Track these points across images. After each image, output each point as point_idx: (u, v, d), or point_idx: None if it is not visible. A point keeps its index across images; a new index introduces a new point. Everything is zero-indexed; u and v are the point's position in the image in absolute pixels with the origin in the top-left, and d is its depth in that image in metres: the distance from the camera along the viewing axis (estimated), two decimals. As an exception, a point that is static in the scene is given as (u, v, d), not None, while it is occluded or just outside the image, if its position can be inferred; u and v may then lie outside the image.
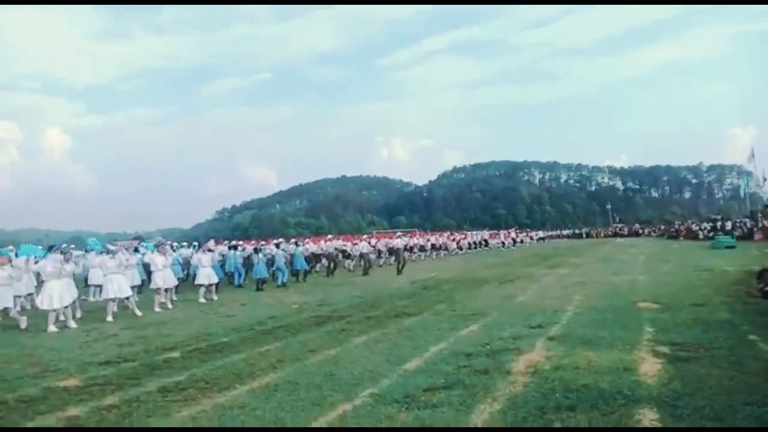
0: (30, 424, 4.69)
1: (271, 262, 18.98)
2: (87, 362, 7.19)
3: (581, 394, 4.99)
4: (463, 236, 40.67)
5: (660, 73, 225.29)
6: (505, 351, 6.83)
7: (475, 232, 47.06)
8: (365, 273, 21.19)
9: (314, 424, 4.41)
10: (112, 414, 4.93)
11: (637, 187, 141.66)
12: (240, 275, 18.66)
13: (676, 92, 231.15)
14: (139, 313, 11.64)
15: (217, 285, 14.76)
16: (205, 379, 6.02)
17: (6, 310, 10.52)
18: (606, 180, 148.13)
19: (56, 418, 4.82)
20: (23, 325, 10.32)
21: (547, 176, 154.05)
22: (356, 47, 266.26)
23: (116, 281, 11.37)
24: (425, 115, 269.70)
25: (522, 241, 49.33)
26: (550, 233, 71.20)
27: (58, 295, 10.13)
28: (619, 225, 77.95)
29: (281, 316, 10.92)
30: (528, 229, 64.72)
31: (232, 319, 10.77)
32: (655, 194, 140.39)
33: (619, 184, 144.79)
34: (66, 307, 10.41)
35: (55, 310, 10.14)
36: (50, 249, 11.35)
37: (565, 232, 76.26)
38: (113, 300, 11.37)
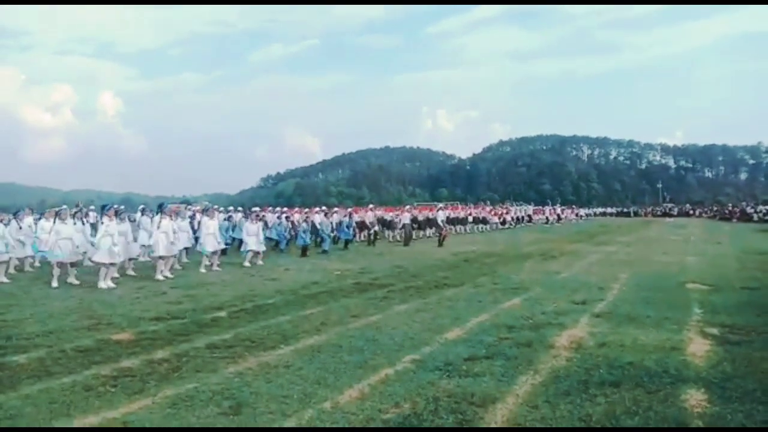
0: (87, 373, 4.92)
1: (314, 229, 19.21)
2: (138, 317, 7.49)
3: (626, 371, 4.92)
4: (505, 210, 40.18)
5: (719, 47, 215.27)
6: (547, 325, 6.78)
7: (518, 207, 46.41)
8: (406, 244, 21.25)
9: (357, 386, 4.49)
10: (162, 367, 5.12)
11: (690, 166, 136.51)
12: (284, 241, 18.97)
13: (735, 67, 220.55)
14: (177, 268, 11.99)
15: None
16: (251, 338, 6.19)
17: (69, 265, 11.04)
18: (658, 158, 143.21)
19: (111, 369, 5.04)
20: (68, 281, 10.80)
21: (596, 152, 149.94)
22: (405, 14, 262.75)
23: (164, 240, 11.72)
24: (472, 85, 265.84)
25: (567, 218, 48.50)
26: (596, 210, 69.68)
27: (113, 250, 10.53)
28: (669, 205, 75.62)
29: (324, 281, 11.09)
30: (574, 206, 63.46)
31: (277, 282, 11.00)
32: (708, 174, 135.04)
33: (671, 163, 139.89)
34: (117, 264, 10.81)
35: (108, 266, 10.52)
36: (104, 208, 11.75)
37: (611, 210, 74.47)
38: (162, 258, 11.74)
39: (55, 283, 10.50)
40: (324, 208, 24.83)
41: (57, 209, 11.88)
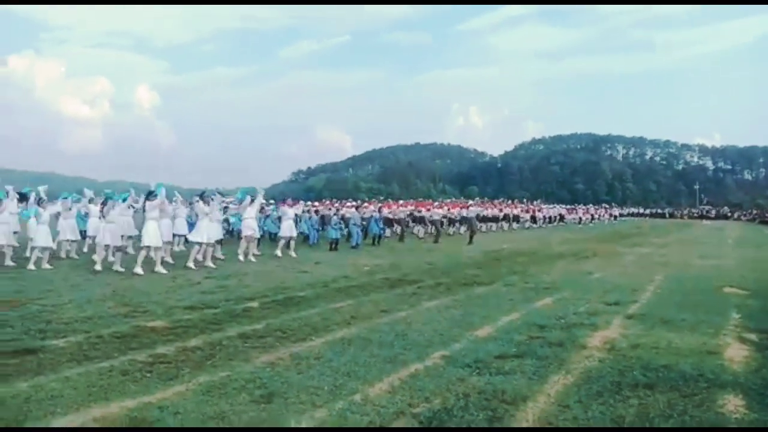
0: (123, 358, 5.05)
1: (345, 223, 19.30)
2: (173, 306, 7.63)
3: (660, 373, 4.83)
4: (537, 208, 39.72)
5: (759, 46, 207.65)
6: (580, 326, 6.70)
7: (550, 206, 45.82)
8: (436, 241, 21.20)
9: (387, 380, 4.51)
10: (196, 354, 5.22)
11: (729, 167, 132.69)
12: (314, 235, 19.11)
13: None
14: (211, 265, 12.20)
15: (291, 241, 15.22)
16: (282, 329, 6.26)
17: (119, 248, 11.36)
18: (695, 159, 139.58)
19: (146, 355, 5.16)
20: (113, 267, 11.06)
21: (631, 152, 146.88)
22: (436, 11, 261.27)
23: (205, 228, 11.93)
24: (504, 83, 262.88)
25: (600, 218, 47.75)
26: (630, 211, 68.37)
27: (156, 234, 10.79)
28: (707, 207, 73.85)
29: (354, 276, 11.14)
30: (607, 206, 62.37)
31: (307, 275, 11.09)
32: (748, 176, 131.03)
33: (709, 164, 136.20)
34: (158, 248, 11.05)
35: (146, 248, 10.77)
36: (148, 195, 12.01)
37: (646, 211, 72.99)
38: (199, 245, 11.96)
39: (99, 267, 10.79)
40: (355, 202, 24.91)
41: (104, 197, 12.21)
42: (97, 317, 6.80)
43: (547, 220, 38.32)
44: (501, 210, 32.44)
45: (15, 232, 12.73)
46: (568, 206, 50.03)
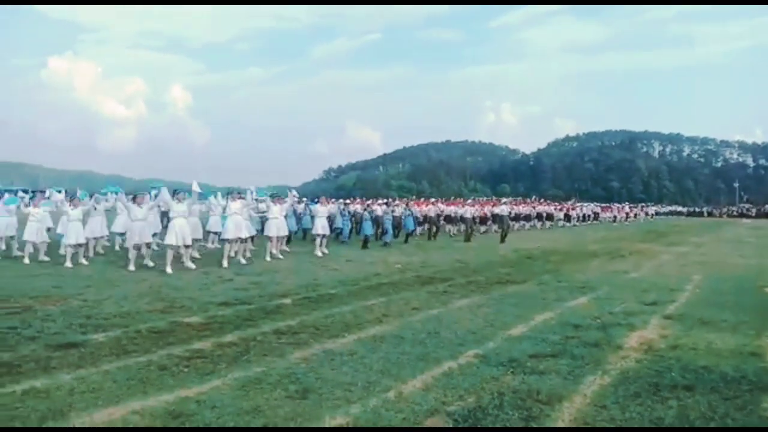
0: (161, 353, 5.15)
1: (376, 221, 19.33)
2: (207, 302, 7.75)
3: (700, 375, 4.72)
4: (572, 207, 39.13)
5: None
6: (616, 326, 6.58)
7: (584, 204, 45.08)
8: (467, 239, 21.06)
9: (420, 377, 4.51)
10: (231, 350, 5.30)
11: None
12: (346, 232, 19.18)
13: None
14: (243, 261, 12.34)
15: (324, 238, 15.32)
16: (315, 326, 6.31)
17: (145, 246, 11.58)
18: (735, 156, 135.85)
19: (183, 350, 5.25)
20: (144, 264, 11.31)
21: (668, 149, 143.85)
22: (467, 8, 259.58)
23: (236, 223, 12.09)
24: (538, 79, 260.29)
25: (636, 216, 46.82)
26: (667, 209, 66.85)
27: (182, 232, 10.97)
28: (747, 205, 71.71)
29: (385, 273, 11.16)
30: (643, 204, 61.11)
31: (339, 272, 11.15)
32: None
33: (749, 161, 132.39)
34: (187, 246, 11.23)
35: (175, 246, 10.97)
36: (174, 193, 12.22)
37: (683, 210, 71.28)
38: (230, 242, 12.12)
39: (132, 267, 11.04)
40: (388, 200, 24.93)
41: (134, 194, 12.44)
42: (135, 312, 6.96)
43: (581, 218, 37.72)
44: (534, 208, 32.06)
45: (48, 229, 13.09)
46: (603, 204, 49.17)
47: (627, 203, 54.58)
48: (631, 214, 45.89)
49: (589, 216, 39.31)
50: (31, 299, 7.67)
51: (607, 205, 49.41)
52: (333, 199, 25.42)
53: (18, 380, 4.30)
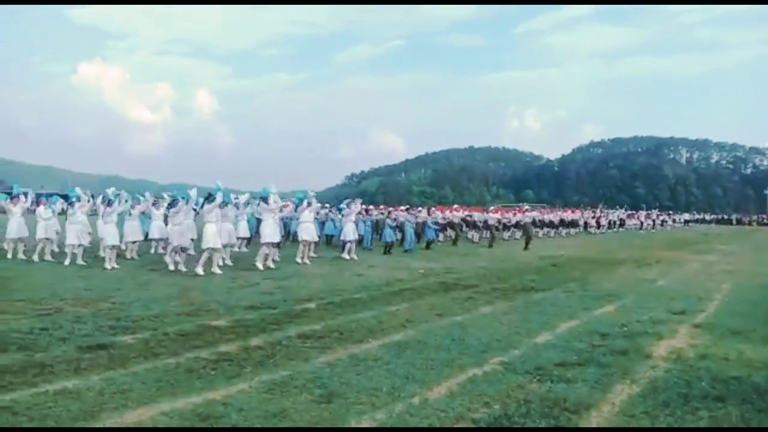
0: (188, 355, 5.22)
1: (399, 227, 19.32)
2: (234, 306, 7.83)
3: (731, 386, 4.62)
4: (603, 213, 38.66)
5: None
6: (644, 334, 6.48)
7: (612, 211, 44.44)
8: (490, 245, 20.94)
9: (445, 384, 4.49)
10: (257, 353, 5.35)
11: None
12: (369, 238, 19.21)
13: None
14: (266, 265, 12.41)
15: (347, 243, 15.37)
16: (339, 330, 6.33)
17: (183, 249, 11.80)
18: (765, 163, 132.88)
19: (210, 353, 5.32)
20: (176, 267, 11.45)
21: (695, 155, 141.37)
22: (492, 13, 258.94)
23: (270, 228, 12.20)
24: (562, 85, 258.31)
25: (663, 224, 46.05)
26: (695, 217, 65.60)
27: (215, 236, 11.11)
28: (778, 213, 69.96)
29: (408, 279, 11.15)
30: (670, 212, 60.09)
31: (362, 278, 11.17)
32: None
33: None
34: (216, 249, 11.36)
35: (208, 250, 11.10)
36: (207, 198, 12.38)
37: (711, 217, 69.86)
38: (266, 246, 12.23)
39: (172, 267, 11.32)
40: (409, 206, 24.91)
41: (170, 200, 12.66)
42: (163, 315, 7.06)
43: (606, 225, 37.20)
44: (559, 216, 31.70)
45: (89, 233, 13.37)
46: (629, 211, 48.45)
47: (654, 210, 53.62)
48: (658, 222, 45.12)
49: (614, 223, 38.76)
50: (62, 301, 7.84)
51: (633, 212, 48.67)
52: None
53: (50, 380, 4.40)
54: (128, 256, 13.52)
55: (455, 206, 28.00)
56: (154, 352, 5.33)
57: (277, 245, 13.03)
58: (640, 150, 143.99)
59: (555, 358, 5.34)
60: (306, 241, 13.60)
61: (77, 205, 12.81)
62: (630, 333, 6.55)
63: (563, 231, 30.54)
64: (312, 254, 14.27)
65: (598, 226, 34.92)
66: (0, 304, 7.48)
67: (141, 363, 4.95)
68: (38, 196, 15.62)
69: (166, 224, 12.91)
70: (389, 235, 17.67)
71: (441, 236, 22.52)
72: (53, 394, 4.09)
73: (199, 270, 10.84)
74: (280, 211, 13.45)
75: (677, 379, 4.79)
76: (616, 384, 4.61)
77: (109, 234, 11.99)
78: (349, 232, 15.09)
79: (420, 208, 25.01)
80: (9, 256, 13.01)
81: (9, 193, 14.48)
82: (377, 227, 20.31)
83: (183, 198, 12.15)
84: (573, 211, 35.88)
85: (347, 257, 14.75)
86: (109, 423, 3.64)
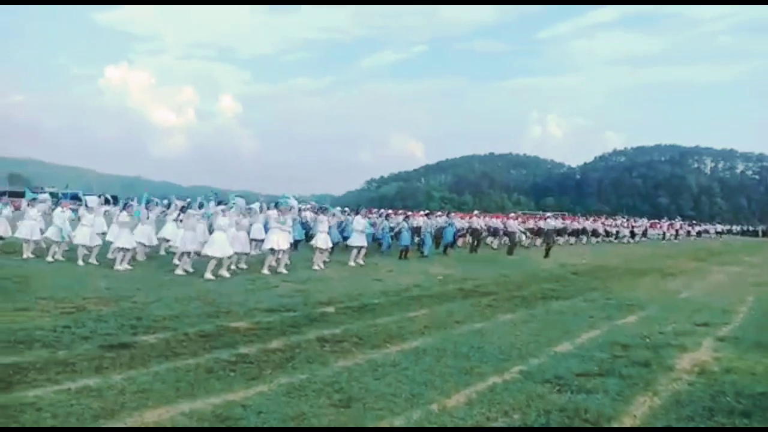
0: (208, 356, 5.25)
1: (416, 232, 19.28)
2: (253, 308, 7.87)
3: (758, 401, 4.52)
4: (634, 221, 38.21)
5: None
6: (666, 346, 6.37)
7: (632, 220, 43.82)
8: (510, 252, 20.78)
9: (464, 391, 4.46)
10: (276, 356, 5.36)
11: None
12: (387, 243, 19.18)
13: None
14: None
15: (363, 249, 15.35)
16: (358, 335, 6.33)
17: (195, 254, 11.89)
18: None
19: (229, 354, 5.35)
20: (185, 271, 11.55)
21: (720, 165, 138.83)
22: (515, 18, 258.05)
23: (278, 235, 12.21)
24: (585, 92, 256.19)
25: (687, 234, 45.29)
26: (719, 228, 64.40)
27: (226, 244, 11.15)
28: (806, 225, 68.35)
29: (426, 285, 11.11)
30: (694, 222, 59.11)
31: (381, 283, 11.16)
32: None
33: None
34: (229, 257, 11.41)
35: (217, 258, 11.10)
36: (219, 203, 12.48)
37: (736, 228, 68.51)
38: (273, 252, 12.23)
39: (189, 269, 11.37)
40: (428, 211, 24.85)
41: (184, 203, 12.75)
42: (183, 316, 7.12)
43: (628, 235, 36.64)
44: (582, 224, 31.35)
45: (102, 233, 13.53)
46: (652, 220, 47.75)
47: (678, 219, 52.77)
48: (681, 232, 44.38)
49: (636, 232, 38.17)
50: (84, 300, 7.93)
51: (656, 221, 47.96)
52: (374, 210, 25.51)
53: (73, 378, 4.45)
54: (140, 258, 13.61)
55: (475, 212, 27.84)
56: (174, 352, 5.38)
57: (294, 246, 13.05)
58: (663, 159, 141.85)
59: (575, 368, 5.27)
60: (321, 248, 13.61)
61: (95, 208, 13.04)
62: (653, 344, 6.45)
63: (583, 239, 30.22)
64: (325, 259, 14.28)
65: (633, 235, 34.36)
66: (24, 302, 7.59)
67: (161, 363, 4.99)
68: (61, 196, 15.82)
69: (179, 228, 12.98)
70: (406, 239, 17.64)
71: (460, 242, 22.43)
72: (75, 392, 4.14)
73: (208, 275, 10.79)
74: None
75: (701, 393, 4.70)
76: (638, 396, 4.53)
77: (122, 236, 11.99)
78: (358, 239, 15.00)
79: (439, 213, 24.94)
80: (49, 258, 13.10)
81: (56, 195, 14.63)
82: (395, 232, 20.29)
83: (224, 203, 12.26)
84: (594, 220, 35.46)
85: (361, 262, 14.74)
86: (129, 422, 3.67)
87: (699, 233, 49.14)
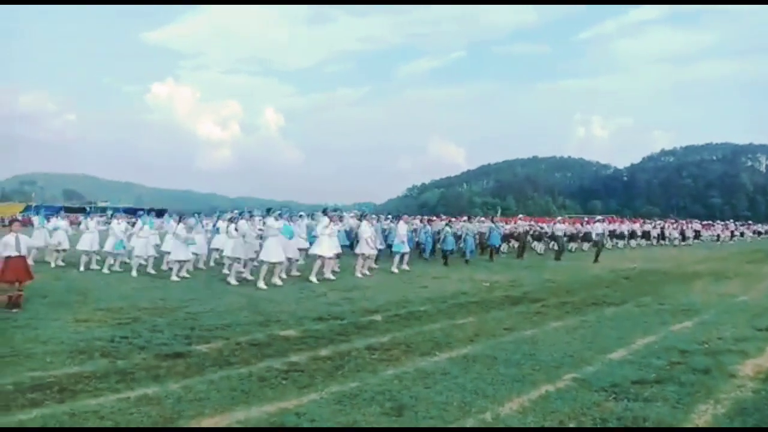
0: (260, 365, 5.33)
1: (459, 236, 19.14)
2: (302, 316, 7.97)
3: (829, 410, 4.30)
4: (689, 223, 37.13)
5: None
6: (726, 352, 6.13)
7: (682, 222, 42.43)
8: (557, 257, 20.40)
9: (517, 400, 4.40)
10: (326, 364, 5.40)
11: None
12: (429, 248, 19.13)
13: None
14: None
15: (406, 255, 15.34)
16: (406, 343, 6.32)
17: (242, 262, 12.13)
18: None
19: (281, 362, 5.42)
20: (238, 279, 11.80)
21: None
22: (556, 19, 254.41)
23: (327, 243, 12.33)
24: (630, 91, 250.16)
25: (742, 235, 43.58)
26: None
27: (279, 250, 11.32)
28: None
29: (473, 292, 11.01)
30: (750, 222, 56.80)
31: (426, 290, 11.12)
32: None
33: None
34: (280, 263, 11.57)
35: (270, 264, 11.29)
36: (268, 212, 12.69)
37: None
38: (320, 258, 12.35)
39: (246, 276, 11.70)
40: (469, 215, 24.66)
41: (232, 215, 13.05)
42: (235, 325, 7.27)
43: (680, 237, 35.53)
44: (632, 227, 30.54)
45: (156, 245, 13.99)
46: (705, 222, 46.14)
47: (732, 221, 50.81)
48: (736, 233, 42.71)
49: (688, 234, 36.96)
50: (139, 311, 8.19)
51: (709, 222, 46.31)
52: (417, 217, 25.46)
53: (132, 387, 4.60)
54: (190, 267, 13.92)
55: (519, 216, 27.48)
56: (227, 360, 5.49)
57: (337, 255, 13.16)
58: (715, 158, 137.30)
59: (632, 376, 5.13)
60: (365, 255, 13.67)
61: (142, 220, 13.58)
62: (711, 350, 6.22)
63: (633, 242, 29.44)
64: (374, 265, 14.32)
65: (684, 238, 33.31)
66: (83, 313, 7.90)
67: (216, 371, 5.10)
68: (114, 211, 16.42)
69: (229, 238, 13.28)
70: (450, 243, 17.54)
71: (505, 247, 22.16)
72: (135, 400, 4.27)
73: (261, 284, 10.96)
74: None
75: (767, 401, 4.50)
76: (699, 404, 4.38)
77: (177, 249, 12.34)
78: (400, 244, 15.01)
79: (482, 218, 24.71)
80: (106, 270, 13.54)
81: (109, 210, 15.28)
82: (437, 238, 20.21)
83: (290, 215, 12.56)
84: (644, 222, 34.50)
85: (405, 267, 14.76)
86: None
87: (757, 233, 47.24)
